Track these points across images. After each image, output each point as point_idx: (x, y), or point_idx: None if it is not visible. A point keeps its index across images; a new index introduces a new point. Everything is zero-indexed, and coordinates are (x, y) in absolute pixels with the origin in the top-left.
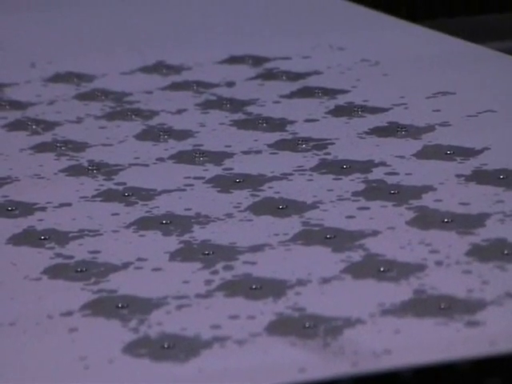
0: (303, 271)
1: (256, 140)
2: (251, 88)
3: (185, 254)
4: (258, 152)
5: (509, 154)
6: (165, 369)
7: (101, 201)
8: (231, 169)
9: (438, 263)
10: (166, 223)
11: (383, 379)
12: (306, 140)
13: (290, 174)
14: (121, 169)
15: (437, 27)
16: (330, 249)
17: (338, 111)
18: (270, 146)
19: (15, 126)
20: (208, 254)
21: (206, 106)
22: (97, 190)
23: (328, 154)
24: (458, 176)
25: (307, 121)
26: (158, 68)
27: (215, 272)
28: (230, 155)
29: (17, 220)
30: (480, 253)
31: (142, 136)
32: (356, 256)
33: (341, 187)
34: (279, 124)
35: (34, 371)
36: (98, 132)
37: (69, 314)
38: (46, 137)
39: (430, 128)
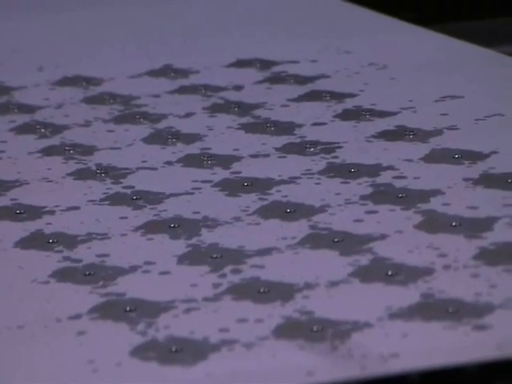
0: (311, 275)
1: (264, 143)
2: (259, 92)
3: (193, 257)
4: (266, 155)
5: None
6: (173, 372)
7: (109, 204)
8: (239, 172)
9: (446, 267)
10: (173, 227)
11: (391, 383)
12: (314, 144)
13: (298, 178)
14: (129, 172)
15: (444, 31)
16: (337, 252)
17: (345, 115)
18: (277, 149)
19: (24, 129)
20: (216, 258)
21: (214, 109)
22: (105, 193)
23: (336, 157)
24: (466, 180)
25: (315, 124)
26: (166, 72)
27: (223, 275)
28: (238, 159)
29: (25, 223)
30: (488, 256)
31: (150, 139)
32: (364, 260)
33: (349, 191)
34: (287, 128)
35: (42, 374)
36: (106, 135)
37: (77, 317)
38: (55, 140)
39: (437, 132)
